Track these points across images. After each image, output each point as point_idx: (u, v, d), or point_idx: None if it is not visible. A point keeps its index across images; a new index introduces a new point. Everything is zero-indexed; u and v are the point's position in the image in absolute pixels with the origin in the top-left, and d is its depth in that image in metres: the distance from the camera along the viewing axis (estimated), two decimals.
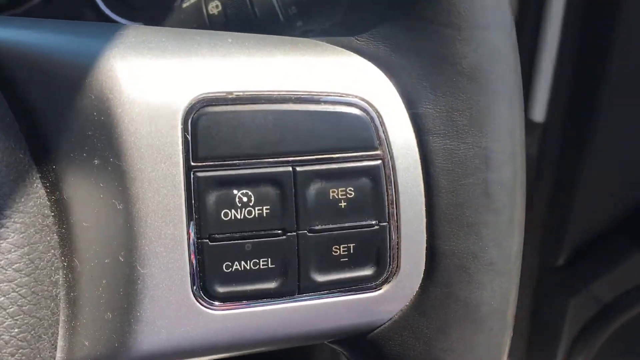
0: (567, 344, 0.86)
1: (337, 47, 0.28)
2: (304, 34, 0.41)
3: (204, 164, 0.25)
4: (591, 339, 0.84)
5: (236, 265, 0.25)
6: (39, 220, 0.23)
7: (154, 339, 0.25)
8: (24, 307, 0.22)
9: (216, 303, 0.25)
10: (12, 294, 0.22)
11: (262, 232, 0.25)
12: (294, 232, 0.26)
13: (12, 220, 0.22)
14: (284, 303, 0.26)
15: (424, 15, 0.27)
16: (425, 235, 0.27)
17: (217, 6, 0.42)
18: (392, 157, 0.27)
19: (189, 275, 0.25)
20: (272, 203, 0.26)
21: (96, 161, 0.24)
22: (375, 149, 0.27)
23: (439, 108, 0.27)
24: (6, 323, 0.22)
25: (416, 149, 0.27)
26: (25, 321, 0.22)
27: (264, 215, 0.25)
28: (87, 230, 0.25)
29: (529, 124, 0.95)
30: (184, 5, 0.43)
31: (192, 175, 0.25)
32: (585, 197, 0.79)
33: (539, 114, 0.92)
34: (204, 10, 0.42)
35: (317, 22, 0.42)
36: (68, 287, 0.25)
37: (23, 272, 0.22)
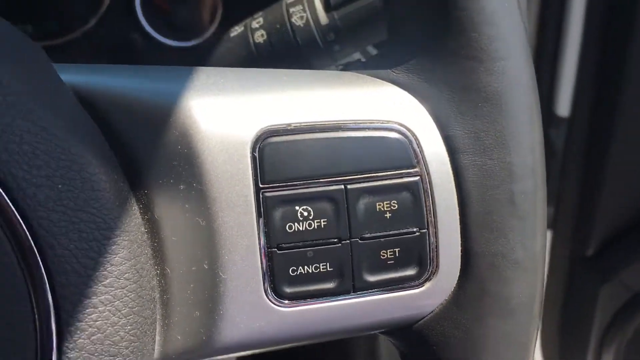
0: (599, 332, 0.88)
1: (376, 79, 0.33)
2: (345, 67, 0.45)
3: (270, 185, 0.30)
4: (623, 327, 0.86)
5: (300, 269, 0.30)
6: (138, 237, 0.28)
7: (234, 333, 0.30)
8: (133, 309, 0.27)
9: (285, 301, 0.30)
10: (125, 298, 0.27)
11: (321, 241, 0.30)
12: (348, 240, 0.30)
13: (121, 238, 0.27)
14: (341, 300, 0.31)
15: (451, 50, 0.31)
16: (460, 239, 0.32)
17: (262, 35, 0.46)
18: (428, 173, 0.31)
19: (261, 278, 0.30)
20: (329, 216, 0.30)
21: (182, 186, 0.29)
22: (413, 167, 0.31)
23: (467, 130, 0.31)
24: (121, 322, 0.27)
25: (449, 166, 0.31)
26: (135, 320, 0.27)
27: (322, 226, 0.30)
28: (175, 244, 0.30)
29: (556, 119, 0.98)
30: (232, 34, 0.48)
31: (261, 195, 0.30)
32: (614, 188, 0.81)
33: (564, 108, 0.95)
34: (250, 39, 0.47)
35: (352, 47, 0.46)
36: (161, 291, 0.30)
37: (131, 280, 0.27)
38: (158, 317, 0.30)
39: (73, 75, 0.30)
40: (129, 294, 0.27)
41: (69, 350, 0.26)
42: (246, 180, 0.29)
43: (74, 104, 0.28)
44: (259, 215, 0.29)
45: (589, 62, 0.79)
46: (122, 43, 0.63)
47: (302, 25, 0.45)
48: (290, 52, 0.46)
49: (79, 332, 0.26)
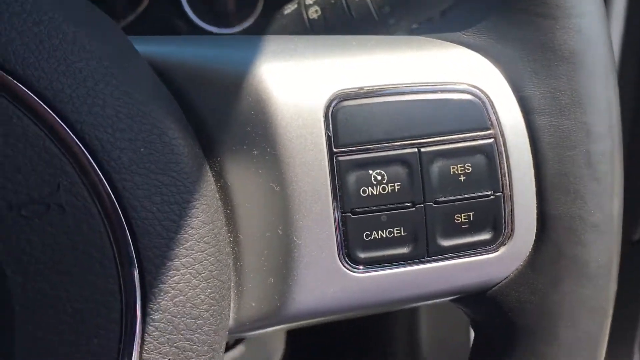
0: None
1: (446, 42, 0.32)
2: (411, 33, 0.45)
3: (344, 149, 0.29)
4: None
5: (374, 234, 0.30)
6: (214, 202, 0.28)
7: (308, 299, 0.30)
8: (212, 273, 0.27)
9: (359, 267, 0.30)
10: (204, 262, 0.27)
11: (395, 205, 0.30)
12: (422, 204, 0.30)
13: (200, 202, 0.27)
14: (415, 265, 0.30)
15: (525, 9, 0.30)
16: (535, 202, 0.31)
17: (316, 11, 0.46)
18: (503, 136, 0.30)
19: (335, 243, 0.29)
20: (402, 180, 0.30)
21: (255, 152, 0.29)
22: (487, 129, 0.30)
23: (542, 90, 0.31)
24: (201, 285, 0.27)
25: (524, 127, 0.31)
26: (214, 284, 0.27)
27: (396, 190, 0.30)
28: (249, 210, 0.30)
29: None
30: (286, 12, 0.48)
31: (334, 160, 0.29)
32: None
33: None
34: (305, 16, 0.47)
35: (408, 19, 0.46)
36: (235, 258, 0.30)
37: (210, 244, 0.27)
38: (232, 284, 0.30)
39: (145, 46, 0.30)
40: (209, 257, 0.27)
41: (153, 312, 0.26)
42: (320, 145, 0.29)
43: (150, 72, 0.28)
44: (333, 179, 0.29)
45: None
46: (167, 30, 0.63)
47: None
48: (345, 26, 0.45)
49: (162, 294, 0.26)
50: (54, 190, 0.24)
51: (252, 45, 0.31)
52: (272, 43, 0.31)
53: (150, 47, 0.30)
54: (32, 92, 0.24)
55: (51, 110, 0.24)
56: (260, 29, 0.55)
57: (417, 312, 0.72)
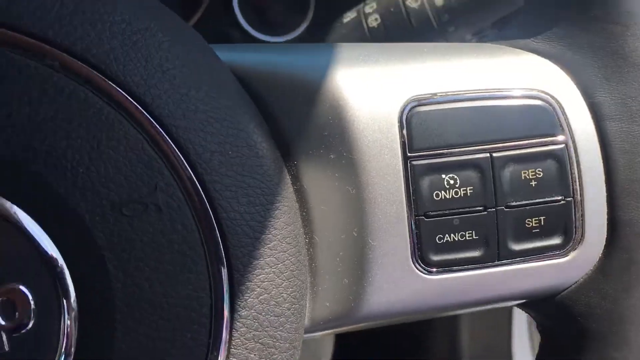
0: None
1: (516, 49, 0.33)
2: (479, 40, 0.45)
3: (418, 154, 0.30)
4: None
5: (447, 237, 0.30)
6: (294, 204, 0.29)
7: (382, 300, 0.31)
8: (294, 272, 0.28)
9: (432, 269, 0.31)
10: (286, 261, 0.28)
11: (467, 209, 0.30)
12: (494, 208, 0.31)
13: (282, 204, 0.28)
14: (486, 269, 0.31)
15: (595, 16, 0.31)
16: (606, 207, 0.31)
17: (376, 19, 0.47)
18: (574, 141, 0.31)
19: (409, 246, 0.30)
20: (474, 184, 0.30)
21: (332, 155, 0.30)
22: (559, 134, 0.31)
23: (613, 96, 0.31)
24: (284, 284, 0.28)
25: (595, 133, 0.31)
26: (295, 283, 0.28)
27: (468, 194, 0.30)
28: (324, 212, 0.31)
29: None
30: (345, 20, 0.49)
31: (408, 164, 0.30)
32: None
33: None
34: (364, 24, 0.48)
35: (467, 27, 0.47)
36: (310, 259, 0.31)
37: (291, 244, 0.28)
38: (307, 284, 0.31)
39: (225, 53, 0.31)
40: (290, 257, 0.28)
41: (240, 309, 0.27)
42: (395, 149, 0.30)
43: (233, 79, 0.30)
44: (407, 183, 0.30)
45: None
46: (220, 39, 0.65)
47: (416, 7, 0.46)
48: (404, 35, 0.46)
49: (249, 291, 0.27)
50: (151, 191, 0.25)
51: (326, 52, 0.32)
52: (345, 50, 0.32)
53: (227, 54, 0.31)
54: (132, 98, 0.25)
55: (149, 115, 0.25)
56: (312, 37, 0.56)
57: (458, 318, 0.72)
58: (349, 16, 0.49)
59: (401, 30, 0.46)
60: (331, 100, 0.30)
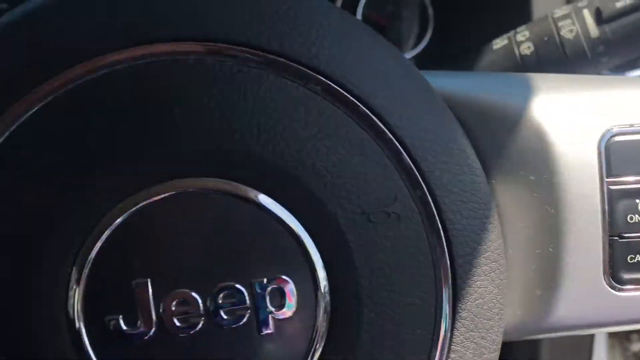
0: None
1: None
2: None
3: (615, 179, 0.33)
4: None
5: (637, 257, 0.33)
6: (498, 219, 0.32)
7: (571, 312, 0.33)
8: (502, 280, 0.31)
9: (624, 287, 0.33)
10: (497, 270, 0.31)
11: None
12: None
13: (493, 218, 0.31)
14: None
15: None
16: None
17: (528, 47, 0.49)
18: None
19: (602, 264, 0.33)
20: None
21: (532, 177, 0.33)
22: None
23: None
24: (495, 291, 0.31)
25: None
26: (502, 291, 0.31)
27: None
28: (520, 229, 0.33)
29: None
30: (495, 47, 0.52)
31: (605, 188, 0.33)
32: None
33: None
34: (516, 52, 0.50)
35: (620, 58, 0.49)
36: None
37: (500, 255, 0.31)
38: None
39: (431, 79, 0.34)
40: (499, 267, 0.31)
41: (461, 310, 0.30)
42: (593, 174, 0.32)
43: (444, 102, 0.33)
44: (602, 206, 0.32)
45: None
46: None
47: (571, 38, 0.48)
48: (557, 63, 0.49)
49: (468, 295, 0.30)
50: (392, 201, 0.29)
51: (521, 81, 0.35)
52: (538, 79, 0.35)
53: (435, 80, 0.35)
54: (381, 122, 0.29)
55: (392, 135, 0.29)
56: (428, 58, 0.59)
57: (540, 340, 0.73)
58: (499, 43, 0.51)
59: (554, 59, 0.49)
60: (534, 125, 0.33)
